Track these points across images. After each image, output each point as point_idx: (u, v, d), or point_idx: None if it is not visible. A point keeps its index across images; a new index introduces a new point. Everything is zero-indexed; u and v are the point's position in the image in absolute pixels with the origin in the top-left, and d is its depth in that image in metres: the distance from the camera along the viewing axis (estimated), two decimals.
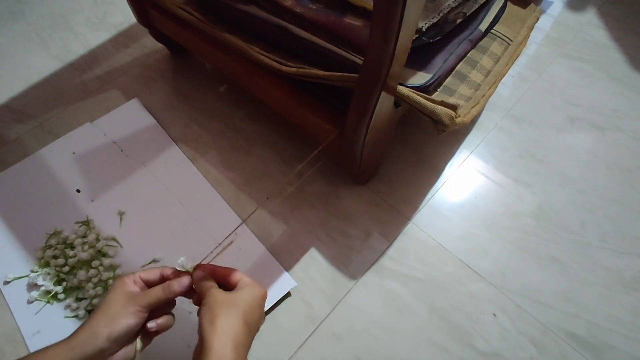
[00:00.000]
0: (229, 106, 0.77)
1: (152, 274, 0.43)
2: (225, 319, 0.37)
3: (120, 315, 0.38)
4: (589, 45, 0.88)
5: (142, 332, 0.41)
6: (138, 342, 0.41)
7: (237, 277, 0.43)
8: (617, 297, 0.58)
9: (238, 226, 0.48)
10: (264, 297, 0.42)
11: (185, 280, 0.42)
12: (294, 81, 0.57)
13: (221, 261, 0.46)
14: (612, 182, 0.69)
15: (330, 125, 0.55)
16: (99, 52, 0.85)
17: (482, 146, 0.73)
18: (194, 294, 0.43)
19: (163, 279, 0.43)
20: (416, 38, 0.50)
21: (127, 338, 0.38)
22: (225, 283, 0.43)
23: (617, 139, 0.75)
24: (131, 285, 0.41)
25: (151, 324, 0.40)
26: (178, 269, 0.43)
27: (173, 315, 0.43)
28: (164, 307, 0.42)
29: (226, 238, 0.47)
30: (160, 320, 0.41)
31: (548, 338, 0.55)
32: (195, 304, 0.43)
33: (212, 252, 0.46)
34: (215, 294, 0.40)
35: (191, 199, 0.65)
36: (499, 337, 0.55)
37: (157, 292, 0.41)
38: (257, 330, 0.41)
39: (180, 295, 0.42)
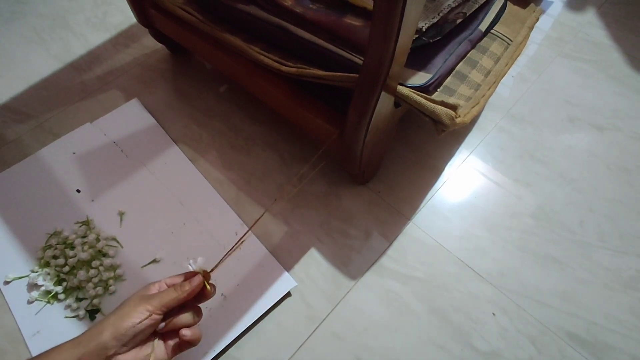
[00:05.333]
0: (229, 106, 0.77)
1: (177, 279, 0.44)
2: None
3: (128, 314, 0.38)
4: (589, 45, 0.89)
5: (165, 349, 0.40)
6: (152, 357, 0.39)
7: None
8: (616, 296, 0.59)
9: (245, 234, 0.49)
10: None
11: (195, 280, 0.42)
12: (294, 81, 0.57)
13: (224, 262, 0.46)
14: (612, 182, 0.70)
15: (330, 125, 0.55)
16: (99, 52, 0.85)
17: (481, 146, 0.73)
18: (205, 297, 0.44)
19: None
20: (416, 38, 0.50)
21: (133, 338, 0.37)
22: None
23: (617, 139, 0.75)
24: (153, 289, 0.41)
25: (161, 324, 0.40)
26: (190, 268, 0.44)
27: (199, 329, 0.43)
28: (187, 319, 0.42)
29: (234, 247, 0.48)
30: (184, 330, 0.41)
31: (547, 337, 0.55)
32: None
33: (221, 260, 0.47)
34: None
35: (191, 199, 0.65)
36: (499, 337, 0.55)
37: (168, 292, 0.41)
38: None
39: (193, 295, 0.42)
